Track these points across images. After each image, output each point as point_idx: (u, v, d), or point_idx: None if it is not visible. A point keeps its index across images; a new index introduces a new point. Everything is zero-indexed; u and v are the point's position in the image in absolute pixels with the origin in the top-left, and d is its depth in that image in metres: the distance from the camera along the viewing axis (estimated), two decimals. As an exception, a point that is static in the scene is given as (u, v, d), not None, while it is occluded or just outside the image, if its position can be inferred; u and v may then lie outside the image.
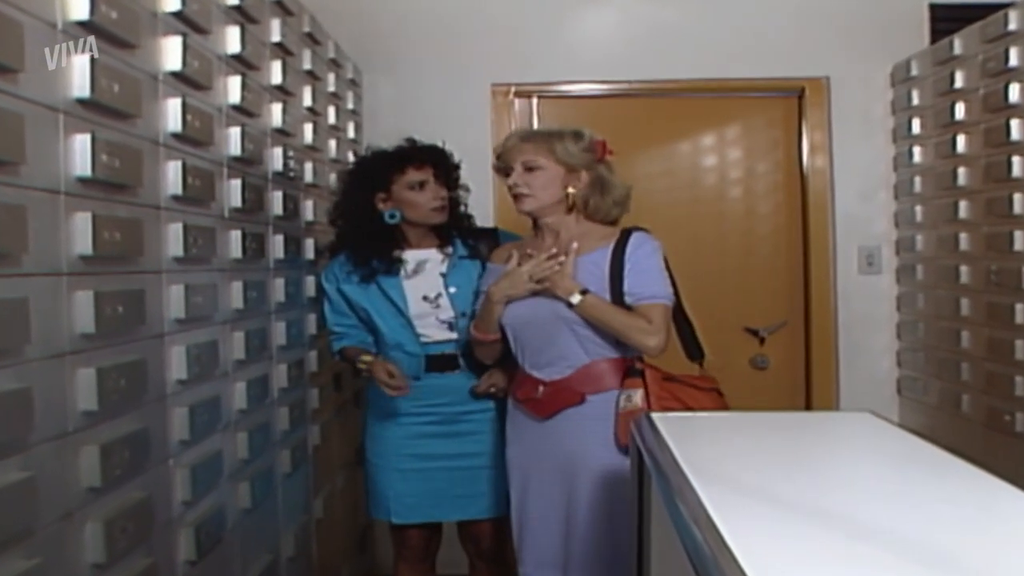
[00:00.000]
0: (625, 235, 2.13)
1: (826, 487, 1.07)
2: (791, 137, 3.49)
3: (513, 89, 3.43)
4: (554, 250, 2.13)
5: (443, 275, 2.45)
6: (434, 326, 2.43)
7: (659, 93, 3.46)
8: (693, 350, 2.27)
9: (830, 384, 3.44)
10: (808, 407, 3.43)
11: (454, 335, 2.42)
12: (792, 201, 3.49)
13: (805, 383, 3.49)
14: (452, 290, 2.43)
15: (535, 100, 3.46)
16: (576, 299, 2.06)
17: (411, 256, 2.47)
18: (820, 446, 1.34)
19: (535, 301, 2.13)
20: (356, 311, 2.48)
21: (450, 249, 2.48)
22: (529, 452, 2.19)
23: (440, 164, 2.47)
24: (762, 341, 3.47)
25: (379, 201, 2.44)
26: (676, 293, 2.15)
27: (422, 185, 2.42)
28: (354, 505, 3.02)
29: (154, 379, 1.62)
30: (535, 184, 2.15)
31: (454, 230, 2.50)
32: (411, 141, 2.49)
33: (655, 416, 1.38)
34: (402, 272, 2.45)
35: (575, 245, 2.11)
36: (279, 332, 2.33)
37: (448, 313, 2.42)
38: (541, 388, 2.13)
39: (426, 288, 2.44)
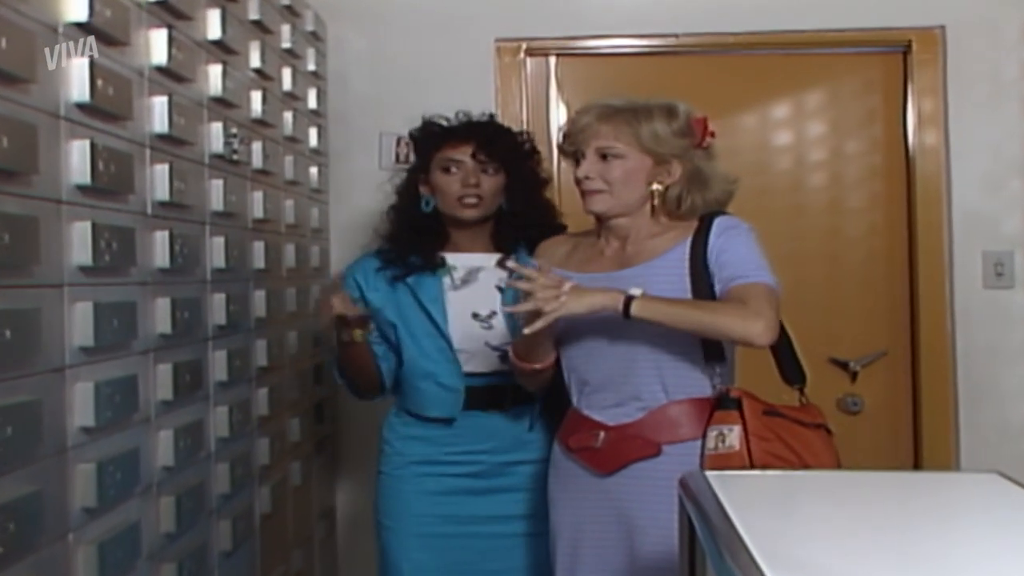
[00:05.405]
0: (706, 222, 2.18)
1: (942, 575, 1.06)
2: (893, 107, 3.48)
3: (524, 46, 3.44)
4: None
5: (500, 289, 2.48)
6: (482, 354, 2.47)
7: (715, 50, 3.47)
8: (792, 372, 2.26)
9: (946, 434, 3.42)
10: (916, 465, 3.41)
11: (506, 367, 2.44)
12: (894, 192, 3.48)
13: (912, 433, 3.47)
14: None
15: (552, 60, 3.48)
16: (636, 292, 2.00)
17: (461, 261, 2.52)
18: (932, 518, 1.33)
19: (603, 324, 2.13)
20: (382, 329, 2.50)
21: (513, 258, 2.49)
22: (582, 518, 2.21)
23: (485, 142, 2.49)
24: (854, 377, 3.45)
25: (421, 184, 2.53)
26: None
27: (456, 166, 2.47)
28: (315, 593, 3.02)
29: (51, 426, 1.61)
30: (613, 177, 2.18)
31: (519, 235, 2.52)
32: (467, 115, 2.57)
33: (710, 475, 1.37)
34: (447, 280, 2.49)
35: (538, 263, 2.15)
36: (218, 364, 2.33)
37: (503, 337, 2.45)
38: (602, 435, 2.16)
39: (477, 303, 2.48)
